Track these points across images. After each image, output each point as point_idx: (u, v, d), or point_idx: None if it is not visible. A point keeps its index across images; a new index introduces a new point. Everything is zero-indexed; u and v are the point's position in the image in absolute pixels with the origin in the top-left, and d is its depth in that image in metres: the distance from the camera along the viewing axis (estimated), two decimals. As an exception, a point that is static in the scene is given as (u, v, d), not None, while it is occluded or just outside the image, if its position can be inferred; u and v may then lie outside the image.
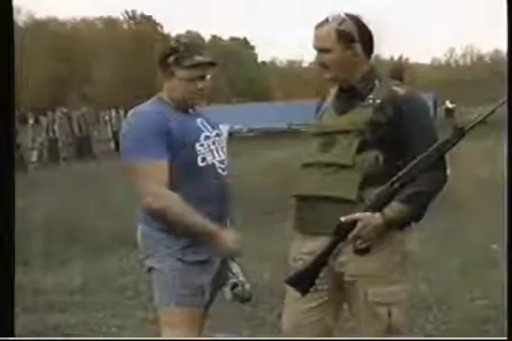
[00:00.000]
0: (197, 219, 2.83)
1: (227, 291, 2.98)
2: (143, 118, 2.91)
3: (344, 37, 2.68)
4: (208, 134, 2.98)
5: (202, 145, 2.94)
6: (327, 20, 2.70)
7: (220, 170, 2.97)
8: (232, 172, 3.05)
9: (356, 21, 2.71)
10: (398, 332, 2.68)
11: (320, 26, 2.71)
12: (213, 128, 3.04)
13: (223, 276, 3.01)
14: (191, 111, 3.01)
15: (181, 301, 2.89)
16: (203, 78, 2.94)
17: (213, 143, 2.98)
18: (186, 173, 2.88)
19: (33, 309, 5.22)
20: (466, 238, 7.12)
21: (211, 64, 2.96)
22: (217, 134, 3.04)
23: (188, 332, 2.91)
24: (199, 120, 3.01)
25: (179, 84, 2.93)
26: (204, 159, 2.93)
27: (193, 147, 2.91)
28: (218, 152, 2.99)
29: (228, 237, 2.87)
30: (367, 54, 2.75)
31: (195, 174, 2.90)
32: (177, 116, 2.93)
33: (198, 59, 2.90)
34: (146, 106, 2.99)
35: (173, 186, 2.87)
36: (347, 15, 2.72)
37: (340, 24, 2.68)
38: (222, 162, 2.99)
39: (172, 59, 2.90)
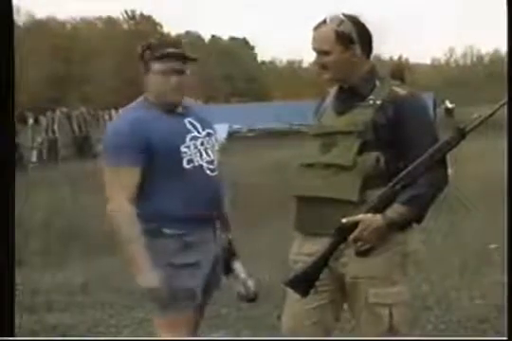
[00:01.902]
0: (133, 241, 2.81)
1: (235, 289, 2.99)
2: (120, 125, 2.91)
3: (343, 38, 2.66)
4: (195, 134, 2.93)
5: (188, 147, 2.89)
6: (325, 21, 2.68)
7: (208, 172, 2.92)
8: (223, 173, 3.00)
9: (355, 21, 2.69)
10: (399, 333, 2.67)
11: (318, 27, 2.69)
12: (204, 128, 2.98)
13: (216, 278, 3.00)
14: (179, 110, 2.95)
15: (170, 304, 2.86)
16: (179, 72, 2.89)
17: (202, 144, 2.93)
18: (171, 176, 2.85)
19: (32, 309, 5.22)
20: (464, 238, 7.13)
21: (187, 59, 2.91)
22: (208, 134, 2.98)
23: (177, 333, 2.90)
24: (188, 120, 2.95)
25: (154, 78, 2.89)
26: (190, 161, 2.88)
27: (178, 149, 2.87)
28: (207, 153, 2.93)
29: (147, 277, 2.81)
30: (366, 54, 2.73)
31: (181, 177, 2.86)
32: (161, 118, 2.89)
33: (169, 50, 2.87)
34: (128, 111, 2.96)
35: (158, 189, 2.86)
36: (345, 16, 2.69)
37: (339, 25, 2.66)
38: (211, 163, 2.93)
39: (147, 53, 2.88)
